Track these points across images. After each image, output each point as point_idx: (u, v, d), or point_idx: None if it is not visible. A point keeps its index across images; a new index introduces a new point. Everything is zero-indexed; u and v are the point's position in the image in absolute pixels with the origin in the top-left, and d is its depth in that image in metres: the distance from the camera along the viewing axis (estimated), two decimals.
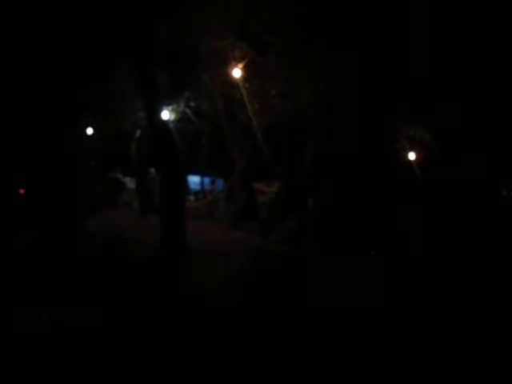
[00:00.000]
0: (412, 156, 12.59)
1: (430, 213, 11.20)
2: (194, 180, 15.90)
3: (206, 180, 16.23)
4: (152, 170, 14.13)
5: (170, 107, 11.54)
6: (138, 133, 13.32)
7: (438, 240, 10.41)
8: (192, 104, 12.52)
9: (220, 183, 15.70)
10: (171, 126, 11.19)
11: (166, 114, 10.86)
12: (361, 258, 9.33)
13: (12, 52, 9.92)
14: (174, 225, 9.14)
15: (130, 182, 15.23)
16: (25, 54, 9.94)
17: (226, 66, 11.62)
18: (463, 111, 11.18)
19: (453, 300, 7.16)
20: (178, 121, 12.05)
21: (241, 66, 11.54)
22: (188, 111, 12.51)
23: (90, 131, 13.83)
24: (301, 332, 5.91)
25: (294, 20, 11.20)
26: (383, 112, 11.88)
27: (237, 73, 11.53)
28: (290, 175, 13.37)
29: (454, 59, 10.89)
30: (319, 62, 11.49)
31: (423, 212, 11.12)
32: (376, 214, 11.49)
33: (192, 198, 15.41)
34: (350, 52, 11.06)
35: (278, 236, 12.11)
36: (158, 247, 9.14)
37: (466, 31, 10.67)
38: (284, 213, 12.83)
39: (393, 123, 12.25)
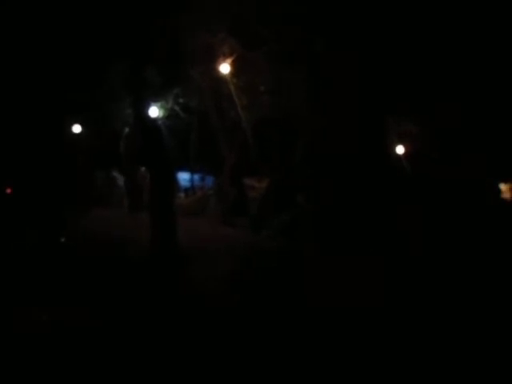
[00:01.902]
0: (401, 151, 12.56)
1: (428, 211, 11.17)
2: (183, 177, 15.72)
3: (196, 177, 16.05)
4: (142, 168, 13.90)
5: (159, 104, 11.31)
6: (127, 130, 13.07)
7: (435, 238, 10.38)
8: (181, 100, 12.30)
9: (210, 180, 15.53)
10: (160, 122, 10.96)
11: (154, 111, 10.64)
12: (360, 257, 9.23)
13: None
14: (164, 222, 8.95)
15: (120, 180, 14.97)
16: (9, 49, 9.63)
17: (214, 62, 11.44)
18: (456, 109, 11.15)
19: (453, 299, 7.06)
20: (166, 117, 11.83)
21: (229, 61, 11.39)
22: (177, 108, 12.30)
23: (78, 129, 13.55)
24: (298, 332, 5.78)
25: (284, 17, 11.08)
26: (379, 110, 11.84)
27: (225, 68, 11.35)
28: (280, 171, 13.27)
29: (445, 57, 10.83)
30: (314, 60, 11.42)
31: (423, 211, 11.08)
32: (373, 212, 11.44)
33: (182, 195, 15.22)
34: (348, 51, 10.97)
35: (269, 232, 12.00)
36: (149, 246, 8.95)
37: (454, 27, 10.61)
38: (275, 209, 12.72)
39: (387, 121, 12.21)
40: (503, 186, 11.63)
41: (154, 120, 10.34)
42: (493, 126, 11.00)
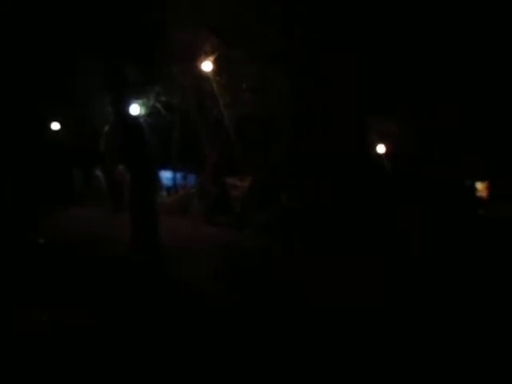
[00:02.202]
0: (382, 150, 12.65)
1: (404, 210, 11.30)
2: (166, 175, 15.57)
3: (179, 175, 15.91)
4: (120, 166, 13.67)
5: (140, 101, 11.15)
6: (107, 128, 12.85)
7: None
8: (163, 98, 12.15)
9: (192, 178, 15.42)
10: (141, 120, 10.81)
11: (135, 109, 10.47)
12: (347, 257, 9.27)
13: None
14: (145, 221, 8.82)
15: (102, 179, 14.72)
16: None
17: (197, 60, 11.35)
18: (435, 110, 11.29)
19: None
20: (148, 115, 11.68)
21: (212, 59, 11.31)
22: (159, 106, 12.15)
23: (57, 127, 13.25)
24: (282, 331, 5.75)
25: (267, 16, 11.06)
26: (361, 109, 11.91)
27: (208, 66, 11.26)
28: (263, 169, 13.25)
29: (426, 57, 10.94)
30: (297, 59, 11.42)
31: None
32: (356, 210, 11.52)
33: (164, 193, 15.07)
34: (334, 52, 11.00)
35: (252, 230, 11.96)
36: (130, 245, 8.81)
37: (435, 27, 10.72)
38: (258, 207, 12.69)
39: (369, 120, 12.30)
40: (479, 185, 11.86)
41: (135, 118, 10.18)
42: (470, 128, 11.18)
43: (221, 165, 13.63)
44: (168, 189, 15.40)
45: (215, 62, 11.43)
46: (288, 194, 12.58)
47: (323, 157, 12.33)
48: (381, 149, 12.75)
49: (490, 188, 11.59)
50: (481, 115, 10.83)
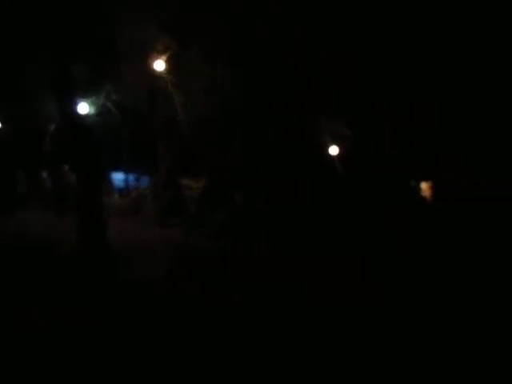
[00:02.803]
0: (335, 152, 12.88)
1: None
2: (118, 177, 15.17)
3: (131, 177, 15.54)
4: (67, 167, 13.17)
5: (89, 100, 10.78)
6: (53, 126, 12.34)
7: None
8: (113, 97, 11.81)
9: (145, 180, 15.11)
10: (90, 119, 10.45)
11: (84, 107, 10.13)
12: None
13: None
14: (93, 223, 8.53)
15: (48, 181, 14.10)
16: None
17: (148, 59, 11.15)
18: (381, 111, 11.61)
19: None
20: (97, 114, 11.30)
21: (164, 58, 11.15)
22: (109, 104, 11.79)
23: None
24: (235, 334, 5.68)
25: (218, 16, 11.01)
26: (312, 110, 12.07)
27: (160, 65, 11.08)
28: (217, 170, 13.18)
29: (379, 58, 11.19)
30: (250, 59, 11.43)
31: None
32: (318, 211, 11.67)
33: (116, 195, 14.70)
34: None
35: (205, 232, 11.86)
36: (77, 248, 8.50)
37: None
38: (212, 208, 12.61)
39: (321, 121, 12.48)
40: (423, 185, 12.33)
41: (84, 117, 9.85)
42: (415, 129, 11.58)
43: (175, 166, 13.45)
44: (120, 190, 15.03)
45: (168, 62, 11.28)
46: (242, 194, 12.57)
47: (278, 157, 12.42)
48: (333, 150, 12.98)
49: (434, 188, 12.07)
50: (425, 118, 11.23)
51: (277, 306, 6.67)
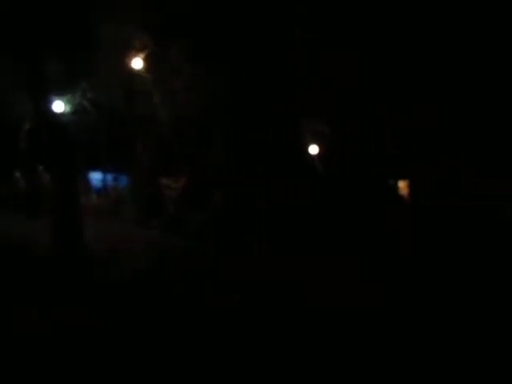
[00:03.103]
0: (315, 151, 12.89)
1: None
2: (95, 177, 14.88)
3: (109, 176, 15.26)
4: (40, 167, 12.83)
5: (64, 98, 10.51)
6: (27, 125, 12.01)
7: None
8: (90, 95, 11.54)
9: (124, 180, 14.86)
10: (65, 118, 10.18)
11: (59, 106, 9.86)
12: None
13: None
14: (68, 223, 8.32)
15: (20, 180, 13.70)
16: None
17: (126, 56, 10.97)
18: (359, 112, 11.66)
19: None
20: (74, 113, 11.03)
21: (142, 56, 10.97)
22: (85, 103, 11.53)
23: None
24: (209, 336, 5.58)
25: (197, 14, 10.89)
26: (293, 111, 12.05)
27: (138, 63, 10.90)
28: (197, 170, 13.05)
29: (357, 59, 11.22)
30: (230, 58, 11.35)
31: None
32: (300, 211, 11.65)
33: (94, 195, 14.41)
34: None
35: (185, 231, 11.72)
36: (52, 249, 8.27)
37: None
38: (191, 209, 12.47)
39: (302, 122, 12.48)
40: (401, 184, 12.47)
41: (58, 115, 9.59)
42: (390, 129, 11.68)
43: (154, 165, 13.26)
44: (98, 190, 14.74)
45: (146, 60, 11.10)
46: (221, 194, 12.47)
47: (258, 157, 12.37)
48: (313, 150, 12.99)
49: (410, 186, 12.20)
50: (400, 118, 11.34)
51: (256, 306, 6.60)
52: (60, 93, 10.02)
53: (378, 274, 8.48)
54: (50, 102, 9.00)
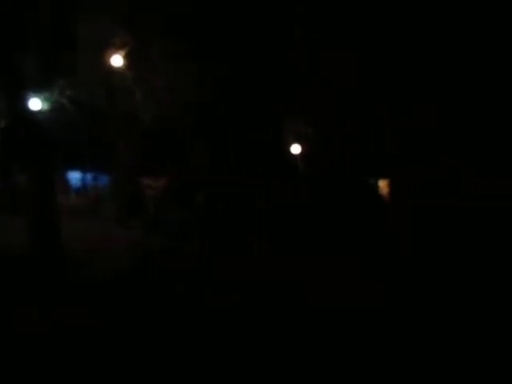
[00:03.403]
0: (297, 151, 12.88)
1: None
2: (74, 176, 14.61)
3: (89, 176, 15.00)
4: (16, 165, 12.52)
5: (42, 96, 10.28)
6: (2, 123, 11.71)
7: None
8: (69, 93, 11.32)
9: (104, 179, 14.63)
10: (42, 116, 9.96)
11: (36, 103, 9.64)
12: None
13: None
14: (45, 224, 8.13)
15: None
16: None
17: (106, 54, 10.80)
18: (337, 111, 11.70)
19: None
20: (51, 111, 10.81)
21: (122, 54, 10.82)
22: (64, 100, 11.30)
23: None
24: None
25: (175, 13, 10.79)
26: (276, 110, 12.04)
27: (118, 61, 10.74)
28: (178, 170, 12.94)
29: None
30: (209, 57, 11.28)
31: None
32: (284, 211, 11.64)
33: (73, 195, 14.16)
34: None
35: (166, 232, 11.59)
36: (28, 248, 8.07)
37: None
38: (172, 208, 12.35)
39: (285, 121, 12.47)
40: (381, 183, 12.56)
41: (35, 113, 9.37)
42: (370, 129, 11.74)
43: (135, 164, 13.10)
44: (77, 190, 14.49)
45: (127, 57, 10.95)
46: (204, 194, 12.37)
47: (242, 156, 12.33)
48: (295, 149, 12.99)
49: (390, 185, 12.30)
50: (379, 118, 11.41)
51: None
52: (37, 90, 9.81)
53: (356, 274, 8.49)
54: (26, 100, 8.77)
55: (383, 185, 12.42)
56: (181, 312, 6.26)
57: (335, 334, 5.63)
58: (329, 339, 5.48)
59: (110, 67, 10.91)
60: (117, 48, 10.68)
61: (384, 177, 12.36)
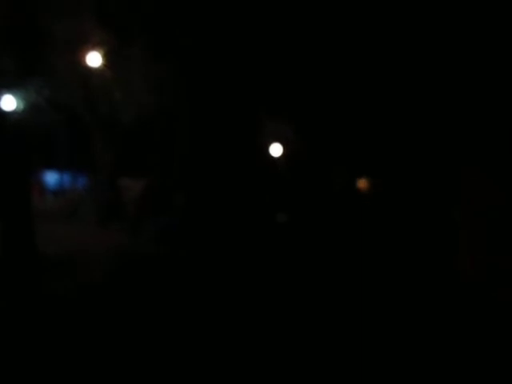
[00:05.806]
0: (278, 152, 12.68)
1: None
2: (51, 177, 14.07)
3: (66, 177, 14.48)
4: None
5: (16, 95, 9.78)
6: None
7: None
8: (45, 92, 10.84)
9: (82, 180, 14.14)
10: (17, 115, 9.48)
11: (9, 102, 9.16)
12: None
13: None
14: (18, 228, 7.67)
15: None
16: None
17: (84, 53, 10.40)
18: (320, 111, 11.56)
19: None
20: (26, 110, 10.31)
21: (101, 53, 10.43)
22: (41, 100, 10.81)
23: None
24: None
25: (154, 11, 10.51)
26: (252, 109, 11.84)
27: (95, 60, 10.34)
28: (158, 171, 12.61)
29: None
30: (188, 58, 11.02)
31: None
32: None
33: (50, 197, 13.63)
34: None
35: (147, 235, 11.23)
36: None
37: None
38: (153, 211, 12.00)
39: (263, 121, 12.28)
40: (361, 182, 12.54)
41: (9, 113, 8.90)
42: (350, 129, 11.64)
43: (115, 166, 12.73)
44: (54, 192, 13.95)
45: (105, 57, 10.57)
46: (184, 197, 12.06)
47: (222, 159, 12.11)
48: (275, 151, 12.77)
49: (372, 186, 12.28)
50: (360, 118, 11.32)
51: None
52: (10, 89, 9.33)
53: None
54: None
55: (364, 185, 12.39)
56: (169, 315, 5.98)
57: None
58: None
59: (89, 67, 10.52)
60: (95, 47, 10.29)
61: (367, 177, 12.32)
